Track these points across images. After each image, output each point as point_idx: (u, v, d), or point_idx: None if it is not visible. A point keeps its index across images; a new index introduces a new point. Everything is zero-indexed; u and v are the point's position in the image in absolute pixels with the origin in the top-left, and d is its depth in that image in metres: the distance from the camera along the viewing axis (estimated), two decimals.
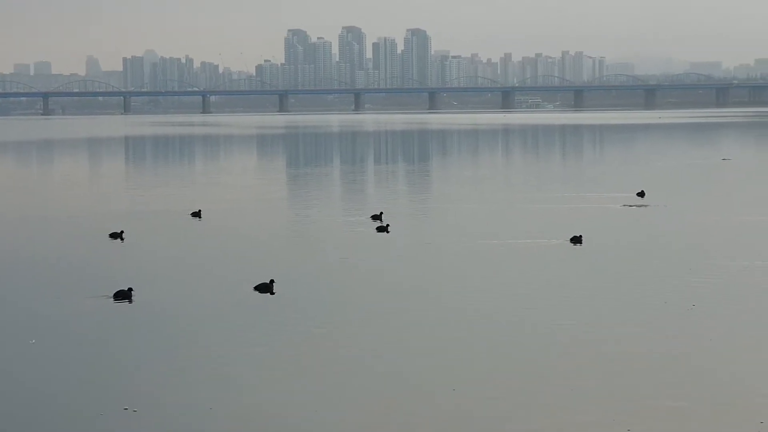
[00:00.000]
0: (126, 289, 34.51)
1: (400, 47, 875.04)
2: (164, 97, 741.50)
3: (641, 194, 67.33)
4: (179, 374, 25.28)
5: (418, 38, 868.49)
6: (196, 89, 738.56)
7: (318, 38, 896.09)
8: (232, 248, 46.69)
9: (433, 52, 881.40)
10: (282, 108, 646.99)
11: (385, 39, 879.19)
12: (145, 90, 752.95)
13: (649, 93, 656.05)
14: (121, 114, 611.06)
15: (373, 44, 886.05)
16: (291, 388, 24.05)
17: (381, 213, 56.48)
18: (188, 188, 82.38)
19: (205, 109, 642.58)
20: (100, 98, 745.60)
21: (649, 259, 41.42)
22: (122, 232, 48.97)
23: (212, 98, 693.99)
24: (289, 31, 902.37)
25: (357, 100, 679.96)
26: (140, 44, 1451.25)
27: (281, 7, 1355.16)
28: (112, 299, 34.13)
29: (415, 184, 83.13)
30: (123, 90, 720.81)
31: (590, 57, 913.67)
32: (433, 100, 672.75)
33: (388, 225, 51.76)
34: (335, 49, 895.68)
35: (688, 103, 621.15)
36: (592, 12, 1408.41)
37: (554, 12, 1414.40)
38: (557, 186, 77.47)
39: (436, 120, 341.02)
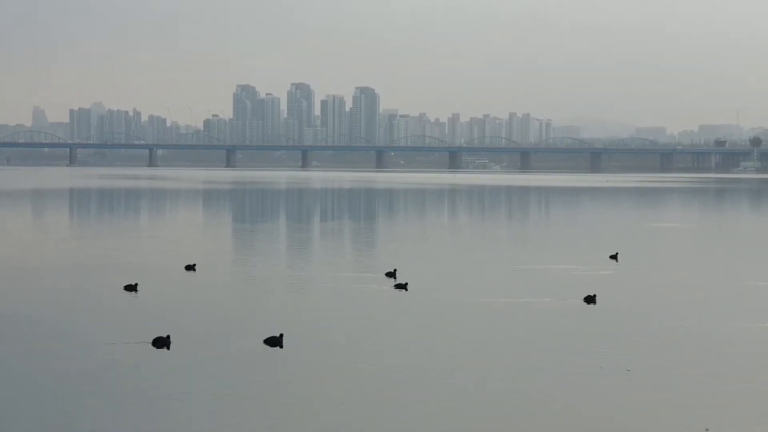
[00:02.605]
0: (165, 336, 35.63)
1: (349, 105, 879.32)
2: (111, 149, 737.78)
3: (614, 257, 67.29)
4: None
5: (366, 96, 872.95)
6: (143, 142, 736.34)
7: (267, 94, 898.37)
8: (237, 301, 47.44)
9: (381, 111, 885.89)
10: (229, 163, 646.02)
11: (333, 96, 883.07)
12: (91, 142, 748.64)
13: (594, 156, 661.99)
14: (67, 165, 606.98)
15: (322, 101, 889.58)
16: None
17: (395, 270, 56.04)
18: (170, 242, 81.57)
19: (151, 162, 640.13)
20: (46, 149, 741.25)
21: (658, 318, 42.09)
22: (136, 284, 49.89)
23: (159, 152, 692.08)
24: (237, 86, 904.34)
25: (304, 157, 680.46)
26: (87, 96, 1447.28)
27: (230, 63, 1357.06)
28: (151, 345, 35.28)
29: (398, 243, 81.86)
30: (69, 142, 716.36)
31: (537, 119, 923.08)
32: (380, 158, 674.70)
33: (406, 283, 51.18)
34: (284, 106, 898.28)
35: (633, 167, 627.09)
36: (539, 75, 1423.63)
37: (502, 74, 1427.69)
38: (528, 248, 76.91)
39: (385, 179, 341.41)
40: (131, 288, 49.59)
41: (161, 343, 35.35)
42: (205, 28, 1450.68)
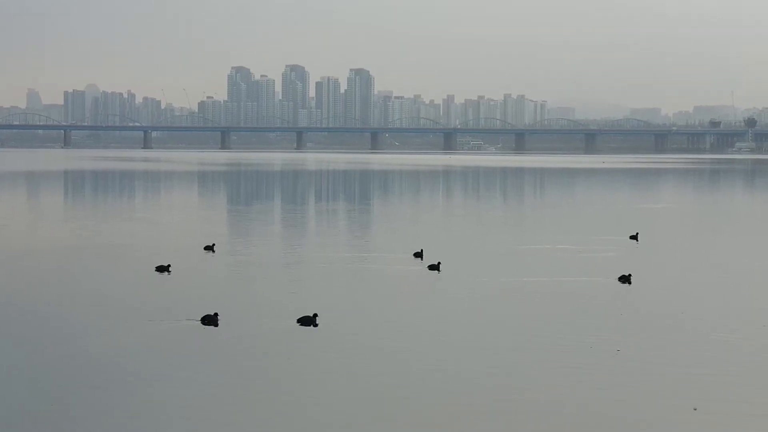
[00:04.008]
0: (212, 314, 36.36)
1: (343, 87, 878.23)
2: (105, 131, 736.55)
3: (635, 237, 66.89)
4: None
5: (361, 78, 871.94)
6: (138, 124, 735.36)
7: (261, 76, 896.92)
8: (265, 281, 47.62)
9: (376, 92, 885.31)
10: (224, 145, 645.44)
11: (328, 78, 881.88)
12: (86, 124, 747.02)
13: (589, 137, 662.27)
14: (61, 147, 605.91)
15: (317, 83, 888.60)
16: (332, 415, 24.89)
17: (422, 250, 55.83)
18: (178, 223, 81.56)
19: (146, 144, 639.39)
20: (40, 131, 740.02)
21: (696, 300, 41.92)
22: (169, 265, 50.47)
23: (154, 134, 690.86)
24: (232, 68, 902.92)
25: (299, 138, 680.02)
26: (82, 78, 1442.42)
27: (225, 44, 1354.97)
28: (200, 323, 35.95)
29: (412, 224, 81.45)
30: (64, 124, 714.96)
31: (532, 100, 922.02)
32: (375, 140, 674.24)
33: (439, 263, 50.61)
34: (278, 87, 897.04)
35: (628, 148, 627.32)
36: (534, 56, 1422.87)
37: (497, 55, 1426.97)
38: (545, 229, 76.37)
39: (381, 160, 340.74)
40: (163, 269, 49.99)
41: (209, 320, 35.94)
42: (200, 9, 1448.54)
